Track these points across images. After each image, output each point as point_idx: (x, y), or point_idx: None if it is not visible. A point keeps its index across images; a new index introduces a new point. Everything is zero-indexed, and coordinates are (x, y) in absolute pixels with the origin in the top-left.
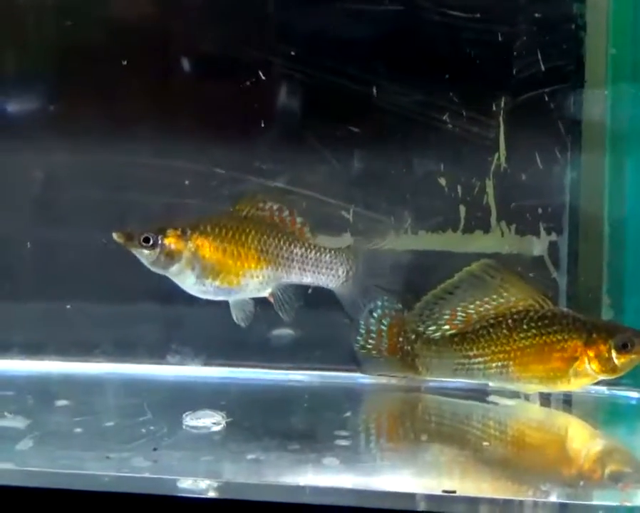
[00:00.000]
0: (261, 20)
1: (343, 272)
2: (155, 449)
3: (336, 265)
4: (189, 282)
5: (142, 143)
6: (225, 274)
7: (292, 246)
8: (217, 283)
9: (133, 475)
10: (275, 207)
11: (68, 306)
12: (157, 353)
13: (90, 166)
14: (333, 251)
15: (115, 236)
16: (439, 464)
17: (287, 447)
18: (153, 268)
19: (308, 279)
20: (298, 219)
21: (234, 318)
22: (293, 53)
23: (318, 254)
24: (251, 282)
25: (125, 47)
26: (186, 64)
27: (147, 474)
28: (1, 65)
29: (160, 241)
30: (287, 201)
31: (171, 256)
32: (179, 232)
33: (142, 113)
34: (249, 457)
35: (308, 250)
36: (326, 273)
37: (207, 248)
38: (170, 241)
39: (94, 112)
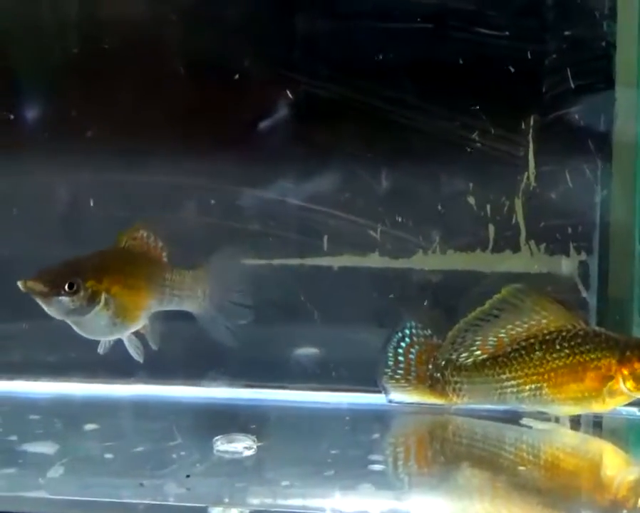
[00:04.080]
0: (288, 41)
1: (201, 292)
2: (188, 476)
3: (195, 286)
4: (101, 324)
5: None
6: (131, 311)
7: (163, 272)
8: (126, 321)
9: (169, 503)
10: (145, 234)
11: None
12: (184, 374)
13: (112, 185)
14: (191, 272)
15: (29, 285)
16: (478, 490)
17: (322, 474)
18: (68, 317)
19: (173, 305)
20: (160, 244)
21: (133, 355)
22: (320, 72)
23: (181, 277)
24: (143, 314)
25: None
26: (211, 85)
27: (182, 502)
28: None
29: (82, 286)
30: (153, 228)
31: (92, 300)
32: (92, 274)
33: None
34: (284, 483)
35: (174, 274)
36: (188, 295)
37: (116, 286)
38: (90, 284)
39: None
